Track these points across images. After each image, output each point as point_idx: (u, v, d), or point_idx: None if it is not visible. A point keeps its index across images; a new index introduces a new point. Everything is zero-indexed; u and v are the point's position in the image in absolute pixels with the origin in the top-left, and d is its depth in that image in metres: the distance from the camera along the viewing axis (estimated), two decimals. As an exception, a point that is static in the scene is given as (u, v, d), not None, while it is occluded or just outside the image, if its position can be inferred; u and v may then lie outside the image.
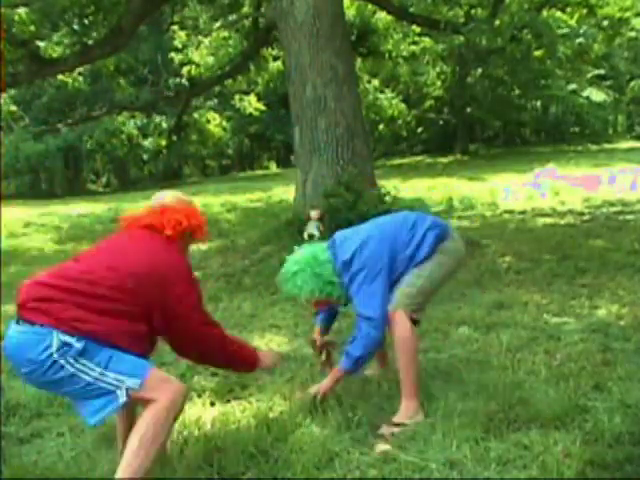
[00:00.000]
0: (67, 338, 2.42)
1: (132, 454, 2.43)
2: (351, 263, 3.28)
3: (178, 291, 2.62)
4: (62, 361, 2.42)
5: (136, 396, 2.49)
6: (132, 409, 2.81)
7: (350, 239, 3.38)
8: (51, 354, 2.40)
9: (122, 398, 2.46)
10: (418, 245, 3.31)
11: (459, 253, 3.47)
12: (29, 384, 2.63)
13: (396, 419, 3.16)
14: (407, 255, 3.30)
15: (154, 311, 2.59)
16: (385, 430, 3.09)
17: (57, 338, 2.41)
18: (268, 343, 4.63)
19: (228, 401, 3.56)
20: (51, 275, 2.57)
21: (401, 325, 3.23)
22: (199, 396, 3.59)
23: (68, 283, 2.51)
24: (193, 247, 9.98)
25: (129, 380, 2.47)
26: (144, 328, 2.60)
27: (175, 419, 2.58)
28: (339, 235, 3.48)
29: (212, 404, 3.51)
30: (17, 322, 2.49)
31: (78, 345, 2.43)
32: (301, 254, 3.40)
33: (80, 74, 17.29)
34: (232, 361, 2.90)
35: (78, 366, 2.44)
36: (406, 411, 3.19)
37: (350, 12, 16.22)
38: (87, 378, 2.45)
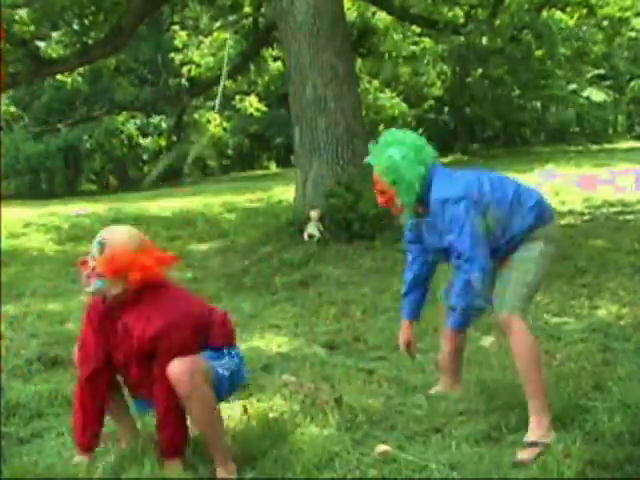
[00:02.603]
0: None
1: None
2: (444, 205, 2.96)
3: None
4: None
5: None
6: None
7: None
8: None
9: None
10: (517, 212, 3.00)
11: (559, 241, 3.16)
12: None
13: (528, 438, 2.86)
14: (503, 214, 2.98)
15: None
16: (523, 455, 2.77)
17: None
18: (268, 343, 4.63)
19: (228, 401, 3.56)
20: None
21: (520, 334, 2.95)
22: (199, 396, 3.59)
23: None
24: (193, 247, 9.89)
25: None
26: None
27: None
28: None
29: (212, 404, 3.51)
30: None
31: None
32: (409, 137, 3.10)
33: (80, 74, 17.26)
34: None
35: None
36: (538, 429, 2.87)
37: (350, 12, 16.21)
38: None
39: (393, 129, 3.21)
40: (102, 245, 2.81)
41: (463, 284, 2.94)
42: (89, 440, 2.87)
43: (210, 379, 2.74)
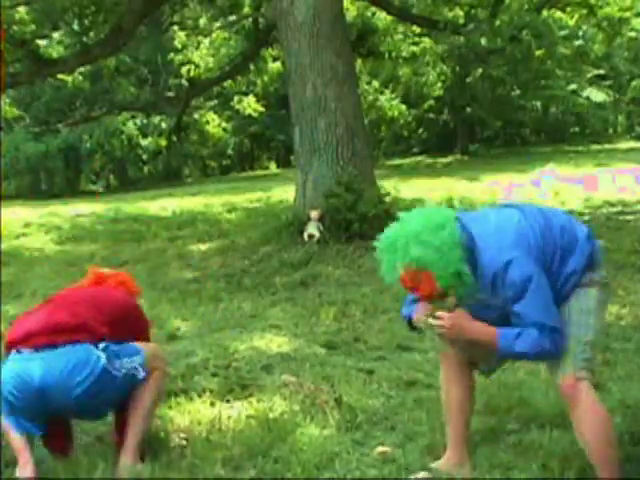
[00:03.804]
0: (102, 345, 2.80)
1: (145, 418, 2.88)
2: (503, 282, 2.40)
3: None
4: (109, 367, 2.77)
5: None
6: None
7: (493, 245, 2.44)
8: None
9: (141, 374, 2.85)
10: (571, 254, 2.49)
11: (610, 285, 2.71)
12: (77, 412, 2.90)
13: None
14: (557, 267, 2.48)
15: None
16: None
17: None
18: (268, 343, 4.63)
19: (228, 401, 3.57)
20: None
21: (590, 406, 2.44)
22: (199, 396, 3.59)
23: None
24: (193, 247, 9.91)
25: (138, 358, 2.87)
26: None
27: None
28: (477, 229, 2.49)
29: (212, 404, 3.51)
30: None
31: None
32: (425, 215, 2.47)
33: (81, 74, 17.27)
34: None
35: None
36: None
37: (350, 12, 16.20)
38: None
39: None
40: None
41: (537, 341, 2.41)
42: None
43: None
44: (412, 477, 2.69)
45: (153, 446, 3.00)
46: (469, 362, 2.70)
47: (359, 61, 17.82)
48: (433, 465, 2.74)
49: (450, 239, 2.39)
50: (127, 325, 3.00)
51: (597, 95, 28.90)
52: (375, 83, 23.50)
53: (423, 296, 2.49)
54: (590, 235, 2.56)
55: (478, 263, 2.42)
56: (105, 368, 2.74)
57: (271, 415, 3.29)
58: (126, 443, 2.85)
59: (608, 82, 30.17)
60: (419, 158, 27.79)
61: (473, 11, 15.50)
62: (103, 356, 2.76)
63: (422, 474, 2.70)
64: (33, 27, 12.34)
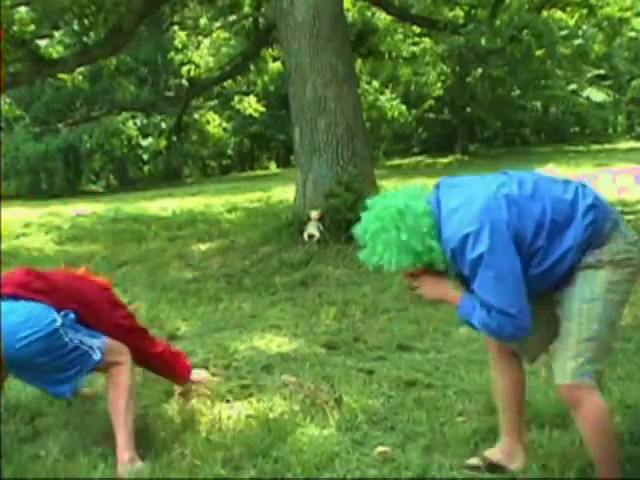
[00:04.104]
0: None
1: (125, 415, 2.89)
2: (464, 246, 2.26)
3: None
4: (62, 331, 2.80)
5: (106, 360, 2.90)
6: None
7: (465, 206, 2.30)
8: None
9: (97, 356, 2.87)
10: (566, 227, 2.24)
11: (636, 255, 2.30)
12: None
13: None
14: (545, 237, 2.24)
15: None
16: None
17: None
18: (268, 343, 4.63)
19: (228, 401, 3.56)
20: None
21: (590, 402, 2.30)
22: (199, 396, 3.59)
23: None
24: (193, 247, 9.91)
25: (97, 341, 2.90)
26: None
27: None
28: (447, 186, 2.43)
29: (212, 404, 3.51)
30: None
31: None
32: (385, 205, 2.34)
33: (81, 74, 17.28)
34: None
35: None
36: None
37: (350, 13, 16.20)
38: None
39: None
40: None
41: (491, 319, 2.27)
42: None
43: None
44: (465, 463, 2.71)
45: (153, 446, 3.01)
46: (514, 353, 2.61)
47: (359, 61, 17.81)
48: (486, 453, 2.71)
49: (416, 224, 2.30)
50: (100, 314, 3.03)
51: (597, 95, 28.91)
52: (375, 83, 23.50)
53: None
54: (594, 203, 2.26)
55: (441, 239, 2.33)
56: (57, 330, 2.77)
57: (271, 415, 3.29)
58: (118, 443, 2.87)
59: (608, 82, 30.17)
60: (419, 158, 27.79)
61: (473, 11, 15.48)
62: (60, 320, 2.79)
63: (472, 460, 2.72)
64: (33, 27, 12.33)
